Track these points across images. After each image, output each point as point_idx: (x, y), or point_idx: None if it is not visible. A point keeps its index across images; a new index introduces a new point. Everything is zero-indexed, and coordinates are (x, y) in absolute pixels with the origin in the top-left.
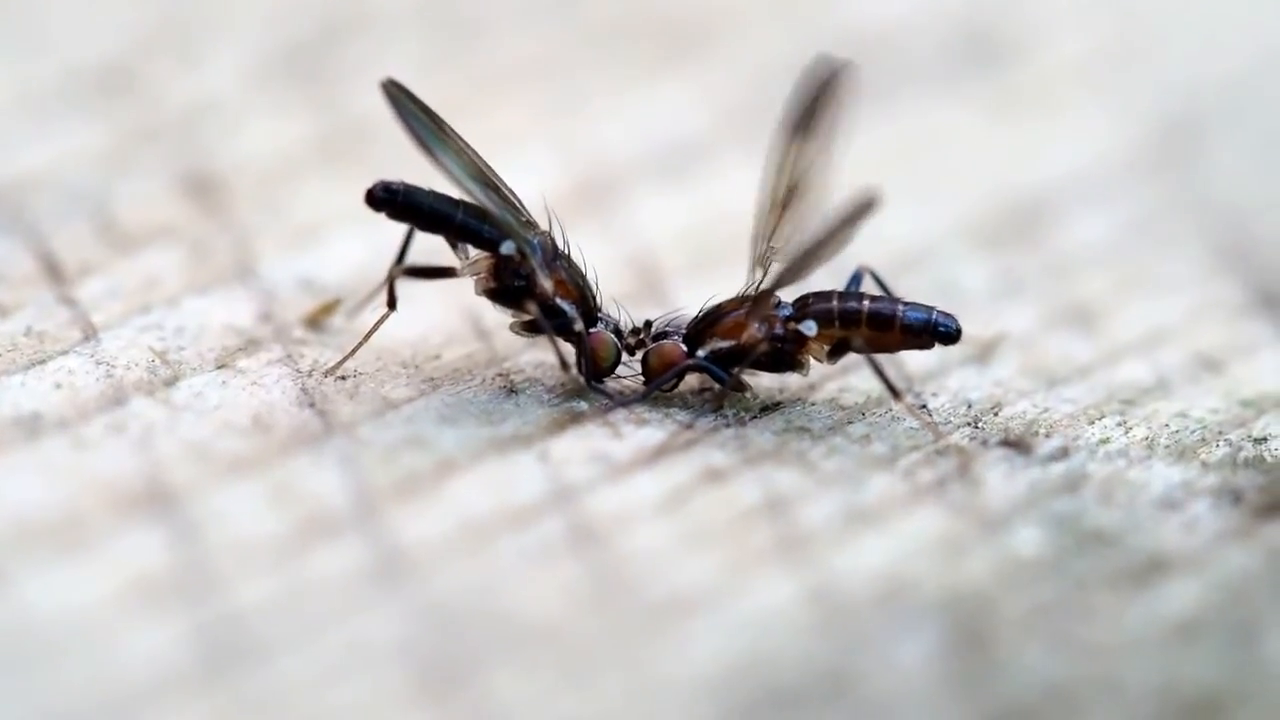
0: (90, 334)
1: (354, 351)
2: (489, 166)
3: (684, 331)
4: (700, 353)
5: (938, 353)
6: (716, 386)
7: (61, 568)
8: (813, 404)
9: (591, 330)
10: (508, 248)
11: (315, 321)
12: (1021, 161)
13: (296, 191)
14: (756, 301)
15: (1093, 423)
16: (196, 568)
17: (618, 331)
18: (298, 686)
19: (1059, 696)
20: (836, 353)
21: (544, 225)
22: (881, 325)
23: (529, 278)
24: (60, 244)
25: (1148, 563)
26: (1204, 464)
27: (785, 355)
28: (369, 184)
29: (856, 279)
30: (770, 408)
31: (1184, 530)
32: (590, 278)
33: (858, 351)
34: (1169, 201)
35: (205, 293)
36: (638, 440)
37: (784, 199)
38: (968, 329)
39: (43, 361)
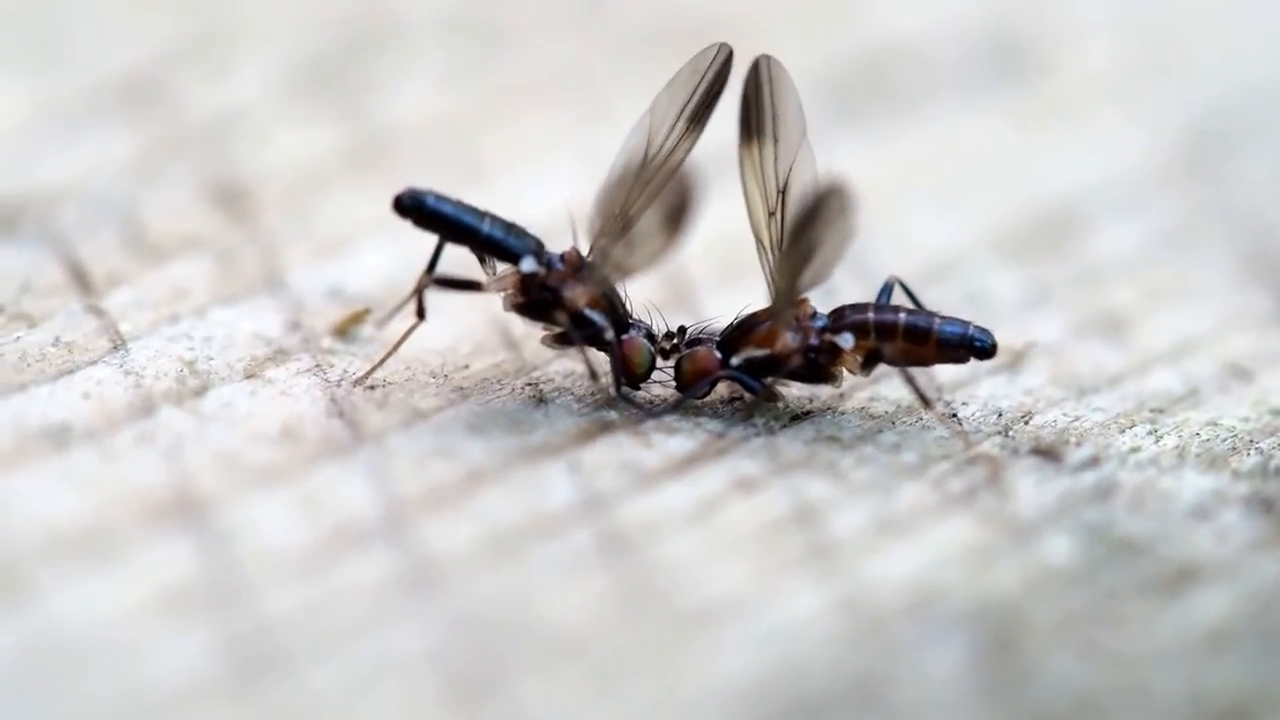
0: (119, 344)
1: (383, 361)
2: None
3: (718, 339)
4: (734, 361)
5: (968, 362)
6: (748, 396)
7: (90, 578)
8: (843, 413)
9: (624, 337)
10: (529, 264)
11: (344, 331)
12: (1050, 171)
13: (324, 201)
14: (791, 310)
15: (1123, 431)
16: (225, 578)
17: (650, 337)
18: (326, 697)
19: (1089, 706)
20: (870, 364)
21: (570, 236)
22: (917, 339)
23: (555, 292)
24: (88, 254)
25: (1178, 572)
26: (1235, 473)
27: (819, 367)
28: (397, 190)
29: (887, 290)
30: (800, 417)
31: (1215, 539)
32: (619, 287)
33: (891, 364)
34: (1198, 211)
35: (233, 303)
36: (667, 450)
37: (777, 205)
38: (997, 338)
39: (71, 371)
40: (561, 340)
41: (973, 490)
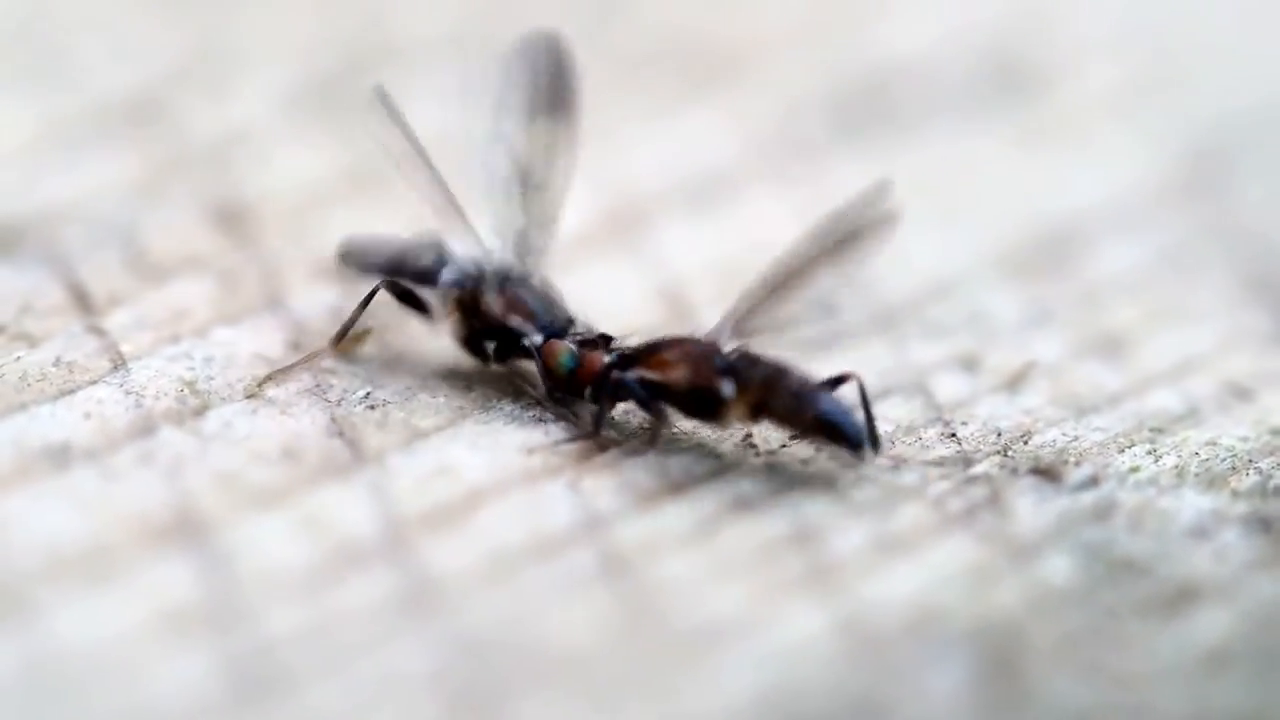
0: (119, 364)
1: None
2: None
3: (627, 351)
4: (629, 374)
5: (967, 381)
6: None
7: (91, 598)
8: None
9: (545, 342)
10: (448, 274)
11: (345, 351)
12: (1051, 191)
13: (325, 222)
14: (701, 349)
15: (1123, 451)
16: (226, 598)
17: (585, 343)
18: (327, 716)
19: None
20: (756, 415)
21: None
22: (796, 407)
23: (477, 299)
24: (89, 274)
25: (1178, 591)
26: (1234, 492)
27: (706, 405)
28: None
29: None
30: (799, 436)
31: (1214, 559)
32: (558, 298)
33: (773, 421)
34: (1198, 231)
35: (234, 322)
36: (666, 470)
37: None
38: (997, 358)
39: (72, 391)
40: (500, 358)
41: (972, 510)
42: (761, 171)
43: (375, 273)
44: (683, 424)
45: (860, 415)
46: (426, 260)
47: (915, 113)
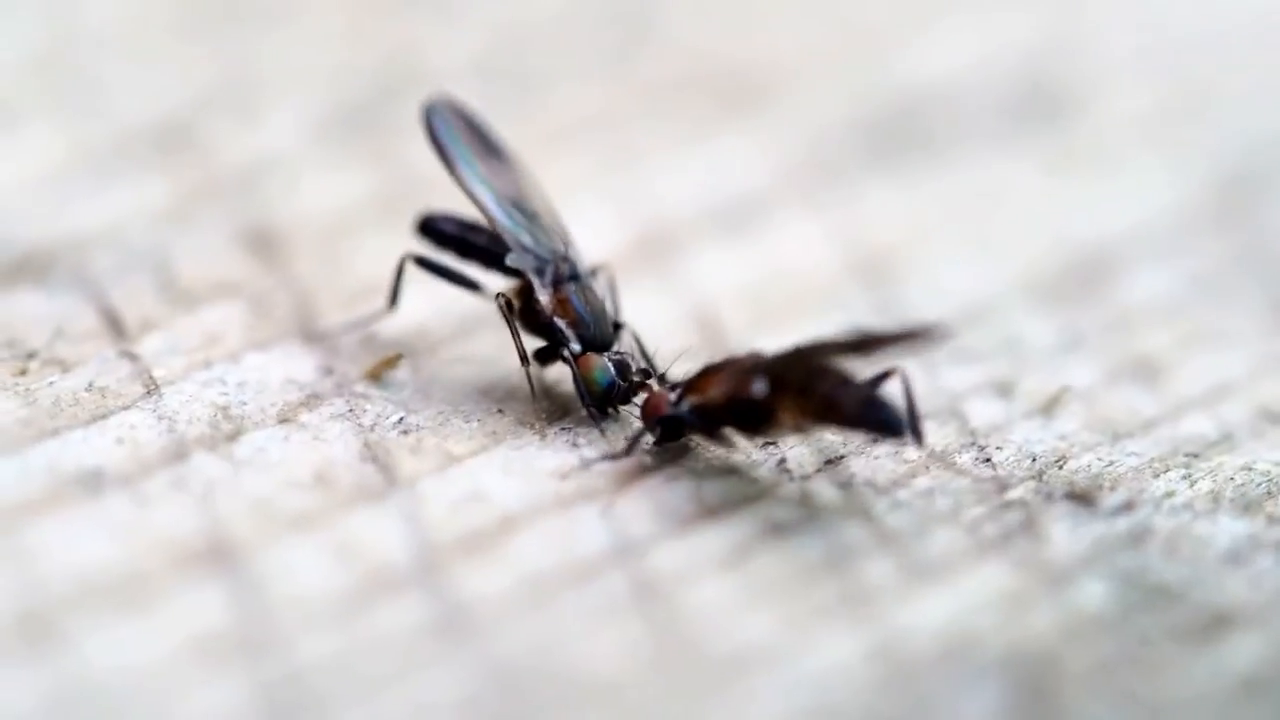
0: (152, 389)
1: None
2: (539, 193)
3: (680, 385)
4: (685, 409)
5: (1002, 407)
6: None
7: (123, 625)
8: (876, 457)
9: (583, 354)
10: (512, 259)
11: (377, 376)
12: (1082, 216)
13: (357, 247)
14: (736, 361)
15: (1158, 476)
16: (258, 625)
17: (623, 366)
18: None
19: None
20: (803, 415)
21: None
22: (833, 397)
23: (531, 293)
24: (121, 300)
25: (1212, 618)
26: (1269, 517)
27: (753, 416)
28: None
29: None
30: (833, 460)
31: (1249, 585)
32: (611, 313)
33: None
34: (1230, 256)
35: (266, 348)
36: (700, 495)
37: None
38: (1031, 383)
39: (105, 417)
40: (542, 356)
41: (1007, 536)
42: (792, 196)
43: (447, 245)
44: (716, 450)
45: (898, 403)
46: (499, 240)
47: (946, 138)
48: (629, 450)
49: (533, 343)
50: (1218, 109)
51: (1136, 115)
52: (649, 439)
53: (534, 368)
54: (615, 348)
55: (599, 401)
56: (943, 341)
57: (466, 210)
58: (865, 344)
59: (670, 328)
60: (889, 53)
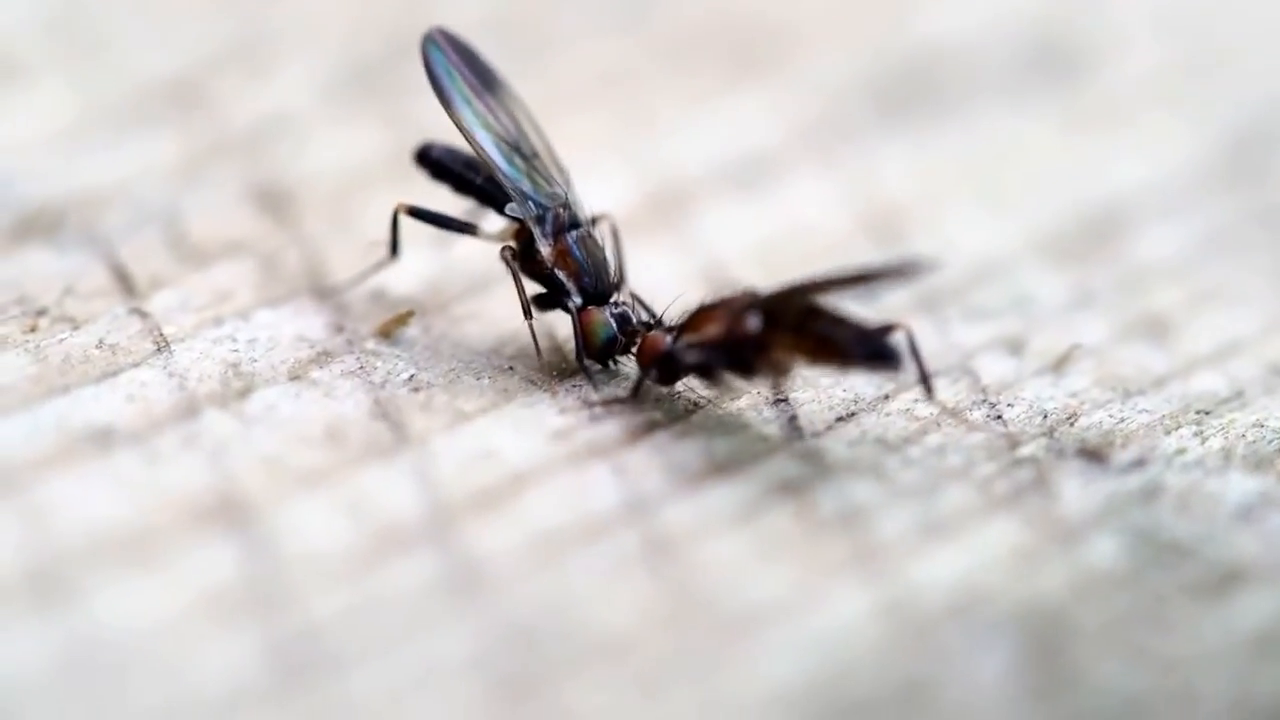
0: (162, 346)
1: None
2: (537, 132)
3: (675, 325)
4: (682, 349)
5: (1012, 363)
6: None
7: (134, 582)
8: (887, 414)
9: (585, 308)
10: (511, 209)
11: (388, 333)
12: (1095, 174)
13: (367, 204)
14: (729, 299)
15: (1169, 433)
16: (269, 582)
17: (625, 320)
18: (371, 702)
19: (1135, 709)
20: (799, 352)
21: (604, 218)
22: (829, 331)
23: (531, 238)
24: (132, 257)
25: (1224, 574)
26: None
27: (750, 356)
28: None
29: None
30: (845, 418)
31: (1260, 541)
32: (613, 263)
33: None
34: (1242, 213)
35: (276, 305)
36: (711, 452)
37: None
38: (1042, 340)
39: (115, 374)
40: (541, 303)
41: (1018, 493)
42: (805, 155)
43: (444, 178)
44: (726, 407)
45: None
46: (498, 182)
47: (959, 96)
48: (634, 393)
49: (533, 287)
50: (1231, 67)
51: (1150, 73)
52: (649, 383)
53: (538, 322)
54: (616, 298)
55: (600, 354)
56: (929, 274)
57: (467, 147)
58: (857, 279)
59: (682, 284)
60: (903, 10)
